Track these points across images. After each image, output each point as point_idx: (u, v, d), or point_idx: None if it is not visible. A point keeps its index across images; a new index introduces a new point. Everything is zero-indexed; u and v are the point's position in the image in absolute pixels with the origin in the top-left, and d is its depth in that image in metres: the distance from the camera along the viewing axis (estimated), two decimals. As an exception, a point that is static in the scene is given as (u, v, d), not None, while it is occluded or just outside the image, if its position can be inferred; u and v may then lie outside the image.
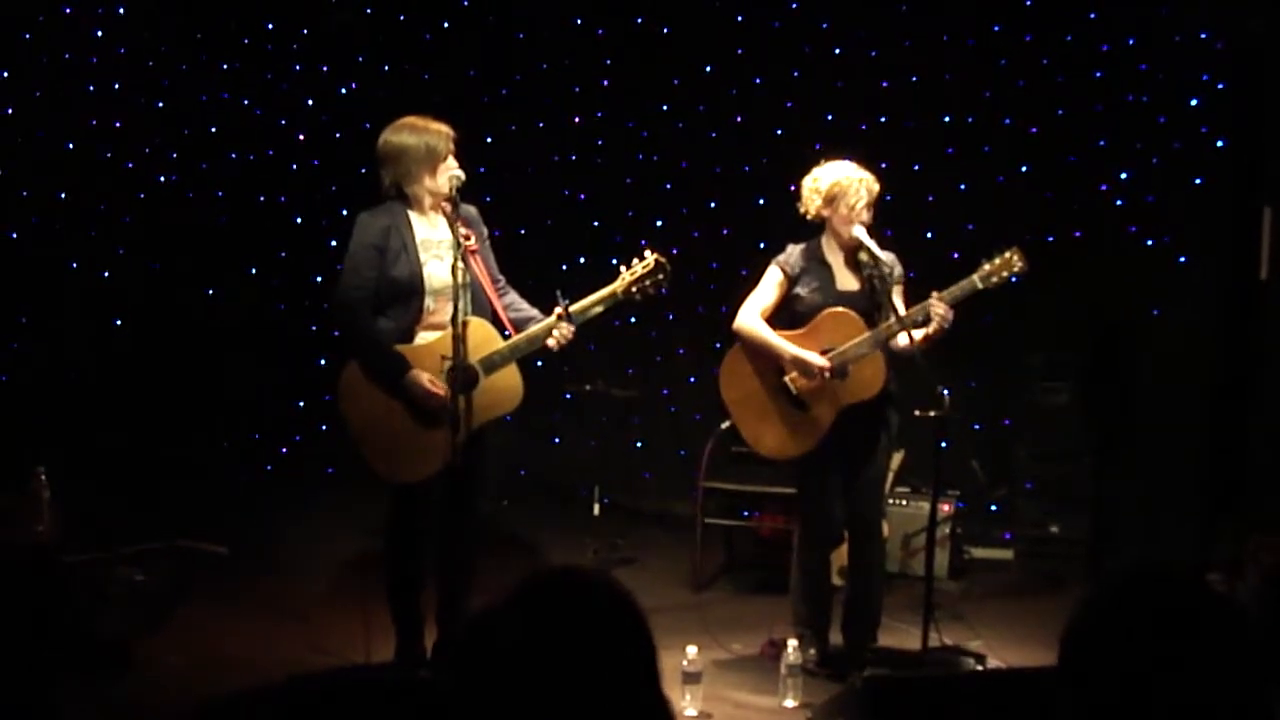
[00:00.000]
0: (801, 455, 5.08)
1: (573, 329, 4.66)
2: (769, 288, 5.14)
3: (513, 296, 4.88)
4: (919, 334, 4.84)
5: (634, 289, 4.74)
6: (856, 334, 4.93)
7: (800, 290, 5.08)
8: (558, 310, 4.63)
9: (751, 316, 5.10)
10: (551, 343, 4.65)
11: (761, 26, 7.87)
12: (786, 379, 5.04)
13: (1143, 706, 1.57)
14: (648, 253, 4.78)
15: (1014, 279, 4.90)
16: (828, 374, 4.93)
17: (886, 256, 4.99)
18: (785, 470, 5.43)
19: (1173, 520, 6.81)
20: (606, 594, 1.69)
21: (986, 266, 4.89)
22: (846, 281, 5.07)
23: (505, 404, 4.67)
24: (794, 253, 5.13)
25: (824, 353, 4.96)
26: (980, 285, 4.87)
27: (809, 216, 5.10)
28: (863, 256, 5.00)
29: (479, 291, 4.63)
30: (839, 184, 4.98)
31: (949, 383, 4.80)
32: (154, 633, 5.28)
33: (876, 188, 5.00)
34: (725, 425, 5.62)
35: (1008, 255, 4.88)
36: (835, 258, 5.09)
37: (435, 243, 4.68)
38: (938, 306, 4.79)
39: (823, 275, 5.07)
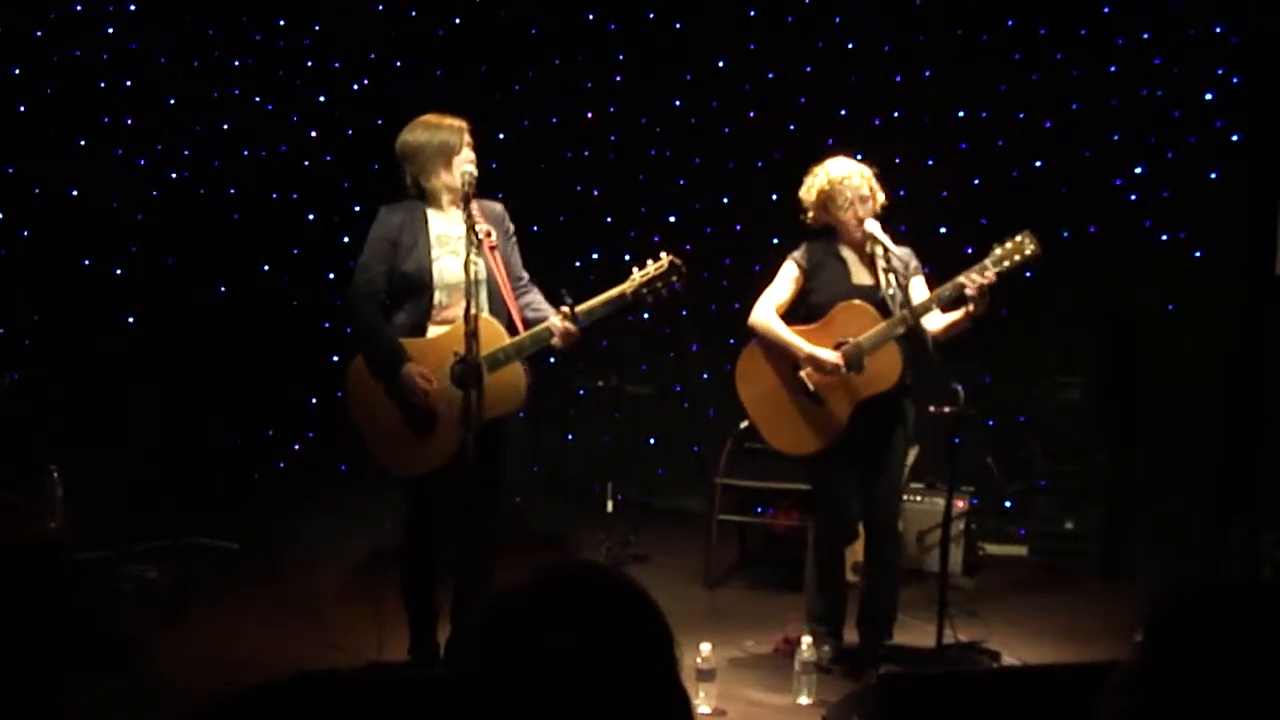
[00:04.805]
0: (821, 450, 5.04)
1: (578, 329, 4.60)
2: (784, 282, 5.12)
3: (533, 296, 4.81)
4: (954, 315, 4.83)
5: (645, 290, 4.67)
6: (871, 325, 4.91)
7: (815, 284, 5.07)
8: (563, 309, 4.59)
9: (766, 312, 5.09)
10: (556, 341, 4.61)
11: (774, 21, 7.85)
12: (802, 374, 5.02)
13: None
14: (662, 254, 4.71)
15: (1028, 270, 4.85)
16: (842, 369, 4.90)
17: (901, 251, 4.95)
18: (800, 467, 5.40)
19: (1187, 516, 6.78)
20: (624, 584, 1.66)
21: (998, 250, 4.83)
22: (861, 276, 5.05)
23: (508, 402, 4.62)
24: (809, 248, 5.12)
25: (838, 345, 4.94)
26: (993, 269, 4.81)
27: (813, 224, 5.10)
28: (876, 250, 4.97)
29: (495, 288, 4.61)
30: (823, 189, 5.00)
31: (963, 379, 4.79)
32: (166, 630, 5.28)
33: (866, 174, 4.97)
34: (744, 425, 5.54)
35: (1019, 239, 4.82)
36: (850, 253, 5.08)
37: (452, 238, 4.66)
38: (983, 274, 4.73)
39: (838, 270, 5.06)
